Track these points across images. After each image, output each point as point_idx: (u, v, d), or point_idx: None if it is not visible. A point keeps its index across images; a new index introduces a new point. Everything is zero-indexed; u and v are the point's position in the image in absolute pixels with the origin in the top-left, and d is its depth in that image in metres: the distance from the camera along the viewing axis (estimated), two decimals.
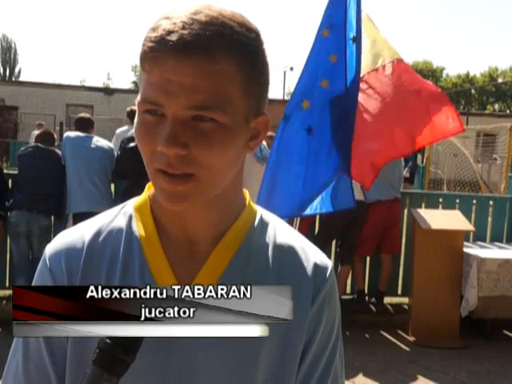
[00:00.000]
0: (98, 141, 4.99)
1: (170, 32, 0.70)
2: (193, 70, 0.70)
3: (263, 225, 0.89)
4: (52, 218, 4.68)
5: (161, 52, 0.70)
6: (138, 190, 0.92)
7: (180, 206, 0.76)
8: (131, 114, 5.58)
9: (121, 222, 0.87)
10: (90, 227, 0.87)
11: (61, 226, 4.95)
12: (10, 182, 4.86)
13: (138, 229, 0.85)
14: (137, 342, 0.69)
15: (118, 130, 5.17)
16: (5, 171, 5.04)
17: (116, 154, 4.84)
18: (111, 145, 5.15)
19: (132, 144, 4.46)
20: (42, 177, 4.59)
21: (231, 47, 0.72)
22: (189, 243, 0.84)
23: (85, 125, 5.03)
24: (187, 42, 0.69)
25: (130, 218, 0.87)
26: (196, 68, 0.70)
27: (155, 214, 0.86)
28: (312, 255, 0.88)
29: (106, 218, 0.88)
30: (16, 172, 4.89)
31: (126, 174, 4.59)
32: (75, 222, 4.60)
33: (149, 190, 0.89)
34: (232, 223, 0.85)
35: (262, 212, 0.91)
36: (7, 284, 5.09)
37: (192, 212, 0.82)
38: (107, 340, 0.67)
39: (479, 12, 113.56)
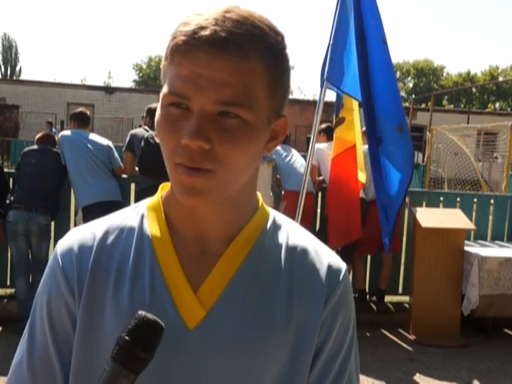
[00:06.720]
0: (95, 136, 5.06)
1: (202, 27, 0.71)
2: (224, 65, 0.71)
3: (276, 227, 0.89)
4: (51, 217, 4.66)
5: (193, 46, 0.71)
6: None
7: (195, 200, 0.75)
8: (150, 112, 5.40)
9: (133, 222, 0.86)
10: (101, 225, 0.87)
11: (63, 225, 4.96)
12: (10, 180, 4.86)
13: (150, 228, 0.85)
14: (155, 339, 0.69)
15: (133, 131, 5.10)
16: (5, 170, 5.03)
17: (140, 149, 4.67)
18: (107, 140, 5.16)
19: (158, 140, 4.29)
20: (43, 176, 4.60)
21: (261, 47, 0.73)
22: (200, 243, 0.83)
23: (84, 120, 5.11)
24: (220, 37, 0.70)
25: (143, 217, 0.86)
26: (227, 64, 0.71)
27: (168, 214, 0.85)
28: (325, 257, 0.88)
29: (118, 217, 0.88)
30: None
31: (150, 171, 4.39)
32: (85, 215, 4.60)
33: (162, 190, 0.89)
34: (245, 224, 0.85)
35: (274, 214, 0.91)
36: (8, 283, 5.10)
37: (206, 212, 0.81)
38: (126, 337, 0.68)
39: (480, 10, 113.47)
